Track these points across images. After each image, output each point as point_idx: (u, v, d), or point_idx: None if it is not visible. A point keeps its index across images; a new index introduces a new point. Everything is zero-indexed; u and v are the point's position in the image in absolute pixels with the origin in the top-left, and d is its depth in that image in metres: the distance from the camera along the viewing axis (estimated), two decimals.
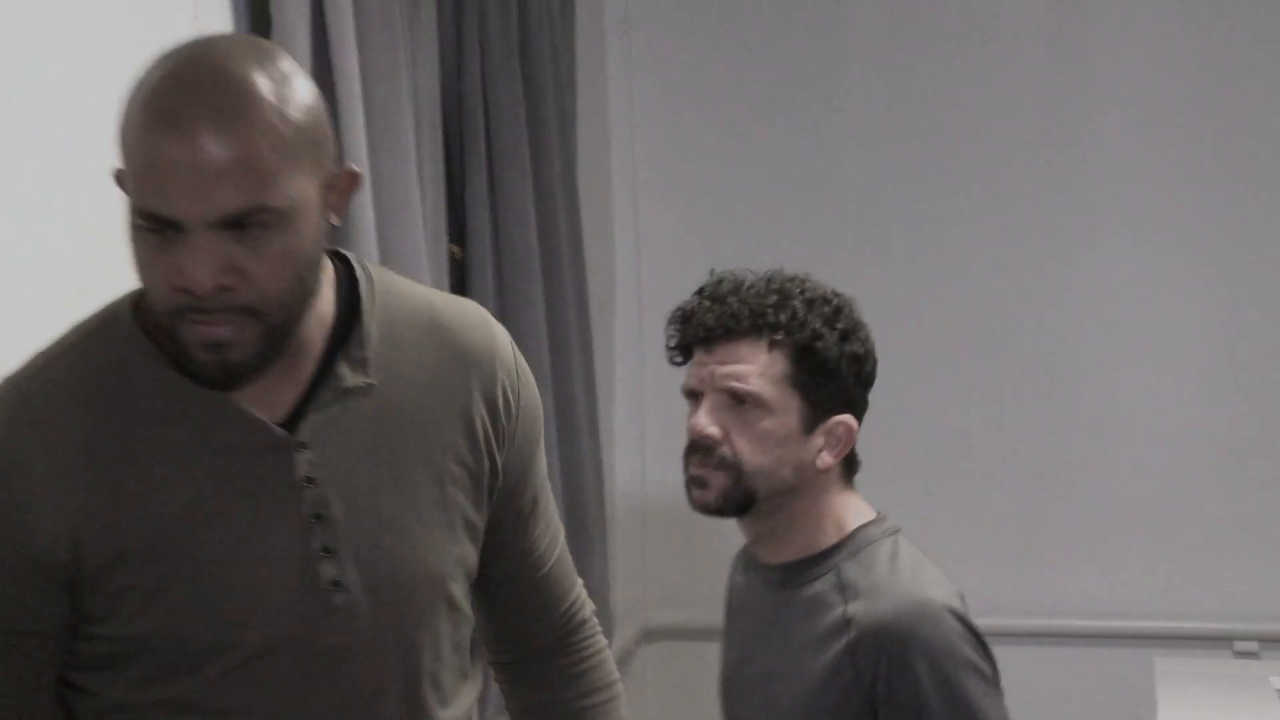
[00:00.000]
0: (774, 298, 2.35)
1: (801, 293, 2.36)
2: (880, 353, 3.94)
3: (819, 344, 2.33)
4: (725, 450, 2.35)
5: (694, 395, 2.39)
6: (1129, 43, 3.97)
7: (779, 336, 2.32)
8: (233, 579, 1.76)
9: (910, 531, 3.75)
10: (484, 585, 1.99)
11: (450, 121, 3.45)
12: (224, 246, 1.64)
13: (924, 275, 4.10)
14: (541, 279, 3.61)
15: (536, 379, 3.47)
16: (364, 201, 2.96)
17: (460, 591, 1.90)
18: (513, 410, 1.92)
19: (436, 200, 3.26)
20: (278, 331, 1.70)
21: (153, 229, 1.65)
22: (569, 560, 2.08)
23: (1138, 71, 3.96)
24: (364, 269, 1.87)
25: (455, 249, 3.47)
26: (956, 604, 2.30)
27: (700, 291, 2.42)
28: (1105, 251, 4.00)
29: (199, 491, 1.75)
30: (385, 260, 2.97)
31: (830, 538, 2.39)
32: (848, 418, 2.38)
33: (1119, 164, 3.98)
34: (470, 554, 1.90)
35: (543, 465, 2.02)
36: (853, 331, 2.37)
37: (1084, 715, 3.87)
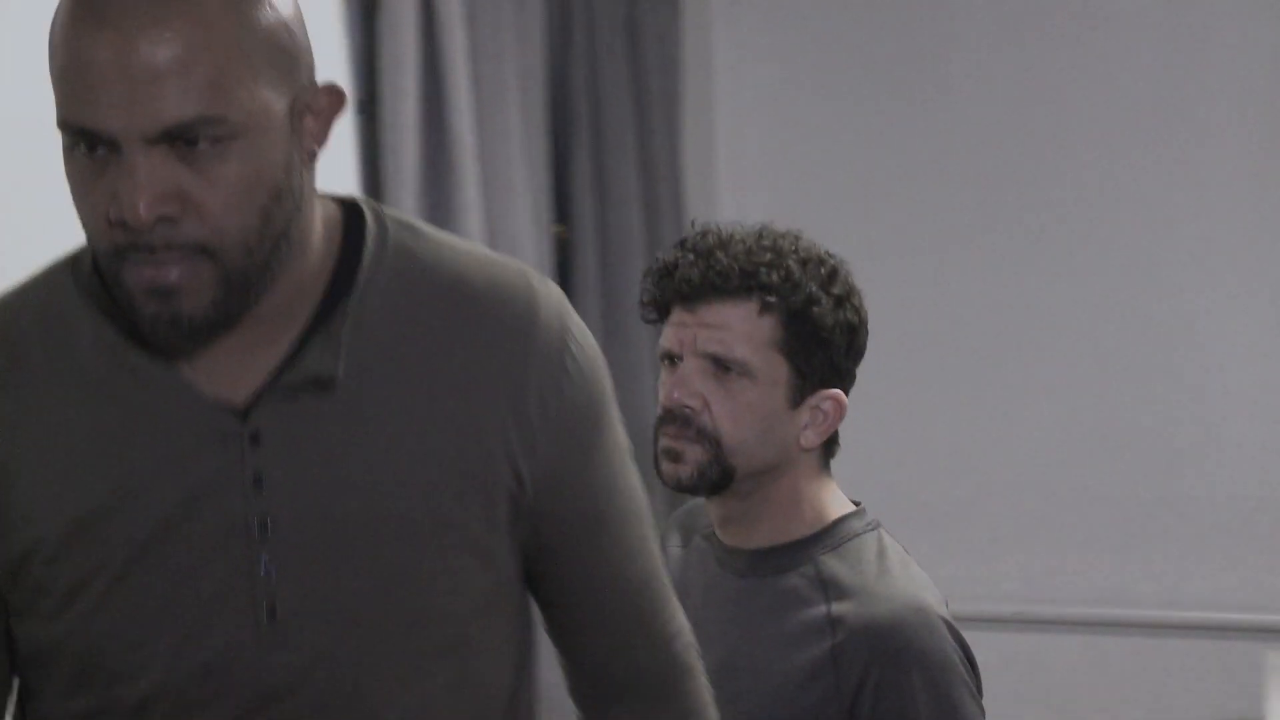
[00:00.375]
0: (767, 255, 2.09)
1: (795, 251, 2.11)
2: (992, 343, 3.90)
3: (814, 309, 2.09)
4: (704, 421, 2.07)
5: (671, 358, 2.11)
6: (1244, 33, 3.90)
7: (771, 298, 2.08)
8: (150, 591, 1.47)
9: (1018, 517, 3.68)
10: (545, 611, 1.65)
11: (556, 101, 3.45)
12: (167, 168, 1.37)
13: (1032, 266, 4.04)
14: (645, 261, 3.60)
15: (635, 363, 3.51)
16: (468, 180, 2.97)
17: (467, 630, 1.55)
18: (550, 409, 1.54)
19: (541, 180, 3.26)
20: (238, 278, 1.41)
21: (85, 149, 1.39)
22: (660, 594, 1.67)
23: (1254, 64, 3.89)
24: (380, 223, 1.53)
25: (560, 229, 3.46)
26: (946, 612, 2.08)
27: (682, 244, 2.14)
28: (1216, 245, 3.93)
29: (125, 482, 1.47)
30: (489, 240, 2.97)
31: (808, 526, 2.14)
32: (837, 392, 2.12)
33: (1232, 155, 3.91)
34: (479, 581, 1.54)
35: (609, 475, 1.62)
36: (848, 297, 2.12)
37: (1190, 709, 3.81)
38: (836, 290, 2.11)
